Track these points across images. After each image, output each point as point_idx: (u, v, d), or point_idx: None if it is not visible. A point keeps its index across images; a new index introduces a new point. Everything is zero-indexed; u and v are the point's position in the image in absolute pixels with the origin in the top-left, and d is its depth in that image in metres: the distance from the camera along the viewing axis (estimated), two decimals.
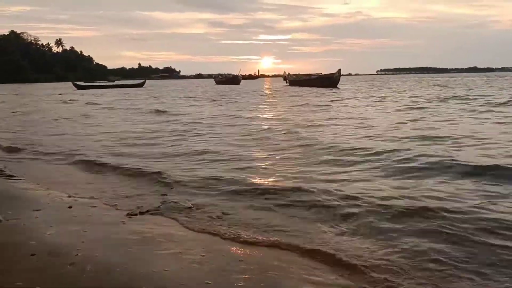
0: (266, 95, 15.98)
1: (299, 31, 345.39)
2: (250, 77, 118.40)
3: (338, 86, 22.08)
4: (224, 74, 39.75)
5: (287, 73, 31.18)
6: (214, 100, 13.77)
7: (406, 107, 8.57)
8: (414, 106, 8.62)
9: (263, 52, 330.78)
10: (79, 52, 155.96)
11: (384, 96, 13.05)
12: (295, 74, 30.08)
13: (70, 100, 16.08)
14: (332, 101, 11.59)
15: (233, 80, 36.65)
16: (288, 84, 29.16)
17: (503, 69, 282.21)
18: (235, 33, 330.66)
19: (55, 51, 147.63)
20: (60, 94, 20.31)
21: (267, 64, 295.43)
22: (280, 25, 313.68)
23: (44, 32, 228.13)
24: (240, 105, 11.41)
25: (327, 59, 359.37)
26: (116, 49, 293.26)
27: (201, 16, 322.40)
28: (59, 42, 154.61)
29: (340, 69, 22.96)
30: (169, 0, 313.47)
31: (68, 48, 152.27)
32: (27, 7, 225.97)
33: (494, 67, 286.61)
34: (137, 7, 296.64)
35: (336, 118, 6.92)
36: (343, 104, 10.34)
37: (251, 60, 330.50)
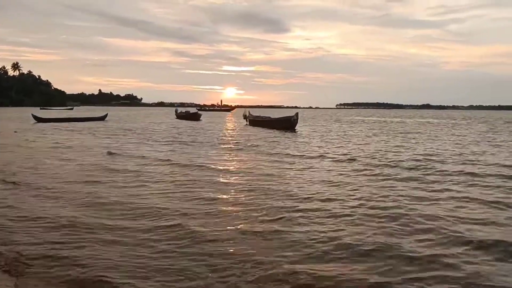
0: (224, 140, 16.02)
1: (262, 64, 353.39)
2: (212, 106, 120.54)
3: (295, 128, 22.63)
4: (185, 110, 39.87)
5: (248, 112, 31.65)
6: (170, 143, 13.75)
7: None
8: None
9: (226, 82, 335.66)
10: (37, 77, 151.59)
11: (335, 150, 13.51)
12: (257, 116, 30.54)
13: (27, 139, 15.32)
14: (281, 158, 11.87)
15: (193, 116, 37.02)
16: (248, 123, 29.56)
17: (453, 107, 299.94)
18: (199, 63, 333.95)
19: (11, 75, 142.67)
20: (15, 132, 18.98)
21: (230, 94, 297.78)
22: (244, 57, 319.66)
23: (2, 54, 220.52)
24: (195, 152, 11.65)
25: (289, 91, 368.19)
26: (77, 74, 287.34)
27: (165, 45, 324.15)
28: (15, 66, 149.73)
29: (297, 113, 23.68)
30: (133, 28, 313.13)
31: (25, 72, 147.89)
32: None
33: (445, 105, 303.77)
34: (101, 34, 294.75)
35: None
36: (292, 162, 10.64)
37: (215, 90, 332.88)
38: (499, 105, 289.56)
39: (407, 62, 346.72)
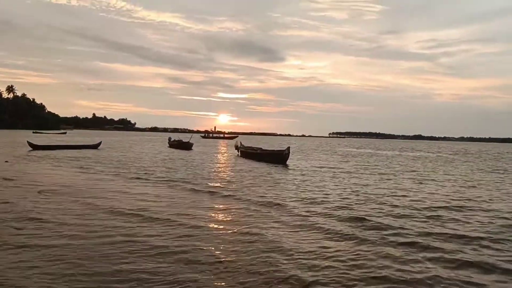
0: (209, 177, 15.90)
1: (256, 91, 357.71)
2: (206, 132, 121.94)
3: (287, 163, 22.67)
4: (177, 139, 39.91)
5: (240, 143, 31.81)
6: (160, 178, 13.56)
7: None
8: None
9: (220, 109, 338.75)
10: (31, 100, 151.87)
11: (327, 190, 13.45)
12: (249, 147, 30.70)
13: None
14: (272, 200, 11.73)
15: (185, 145, 37.19)
16: (239, 154, 29.63)
17: (444, 138, 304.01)
18: (193, 89, 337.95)
19: (5, 97, 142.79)
20: (6, 162, 18.64)
21: (224, 120, 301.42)
22: (238, 84, 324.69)
23: None
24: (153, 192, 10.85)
25: (282, 119, 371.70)
26: (71, 98, 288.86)
27: (161, 71, 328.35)
28: (10, 89, 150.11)
29: (289, 147, 23.84)
30: (130, 53, 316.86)
31: (19, 94, 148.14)
32: None
33: (437, 136, 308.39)
34: (98, 58, 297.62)
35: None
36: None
37: (209, 116, 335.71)
38: (489, 137, 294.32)
39: (399, 93, 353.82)
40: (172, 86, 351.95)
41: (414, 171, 20.62)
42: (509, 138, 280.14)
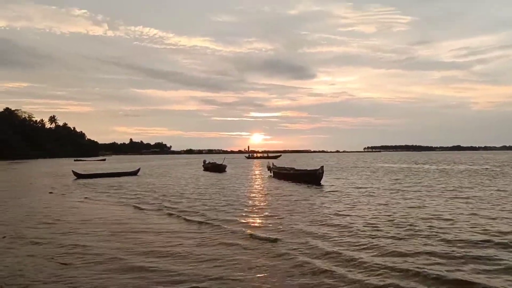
0: (242, 203, 15.88)
1: (288, 109, 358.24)
2: (250, 152, 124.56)
3: (321, 182, 22.47)
4: (212, 162, 40.50)
5: (272, 164, 31.89)
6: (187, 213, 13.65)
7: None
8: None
9: (253, 128, 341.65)
10: (72, 128, 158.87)
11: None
12: (282, 167, 30.72)
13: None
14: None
15: (218, 168, 37.74)
16: (272, 175, 29.65)
17: (485, 148, 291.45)
18: (226, 110, 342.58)
19: (47, 127, 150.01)
20: (50, 193, 19.05)
21: (257, 140, 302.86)
22: (270, 103, 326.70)
23: (39, 108, 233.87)
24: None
25: (315, 135, 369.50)
26: (109, 124, 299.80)
27: (194, 94, 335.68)
28: (52, 119, 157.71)
29: (323, 166, 23.61)
30: (163, 79, 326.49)
31: (61, 124, 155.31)
32: (24, 83, 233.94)
33: (477, 146, 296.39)
34: (133, 85, 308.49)
35: None
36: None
37: (242, 136, 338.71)
38: None
39: (433, 103, 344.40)
40: (205, 108, 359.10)
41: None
42: None
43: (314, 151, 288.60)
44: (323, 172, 23.10)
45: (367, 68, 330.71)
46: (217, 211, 12.36)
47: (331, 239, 8.23)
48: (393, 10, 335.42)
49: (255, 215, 11.57)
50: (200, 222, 10.42)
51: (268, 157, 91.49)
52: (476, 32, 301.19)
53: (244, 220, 10.75)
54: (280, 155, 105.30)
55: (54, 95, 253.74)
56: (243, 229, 9.47)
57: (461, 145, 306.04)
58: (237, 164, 61.43)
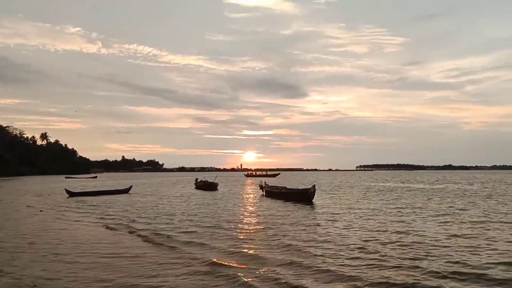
0: (232, 223, 15.75)
1: (281, 127, 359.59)
2: (249, 171, 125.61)
3: (313, 201, 22.48)
4: (204, 180, 40.35)
5: (264, 182, 31.85)
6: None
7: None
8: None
9: (246, 146, 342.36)
10: (63, 145, 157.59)
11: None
12: (274, 186, 30.73)
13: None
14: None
15: (210, 186, 37.62)
16: (264, 193, 29.58)
17: (476, 167, 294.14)
18: (219, 128, 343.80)
19: (39, 144, 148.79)
20: (41, 211, 18.82)
21: (250, 157, 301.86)
22: (262, 121, 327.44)
23: (31, 124, 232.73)
24: None
25: (308, 154, 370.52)
26: (101, 141, 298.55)
27: (187, 112, 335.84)
28: (44, 136, 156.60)
29: (314, 185, 23.74)
30: (157, 96, 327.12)
31: (52, 141, 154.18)
32: (16, 99, 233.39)
33: (468, 165, 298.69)
34: (126, 102, 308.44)
35: None
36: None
37: (235, 154, 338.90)
38: None
39: (425, 123, 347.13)
40: (198, 126, 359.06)
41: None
42: None
43: (307, 170, 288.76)
44: (314, 191, 23.19)
45: (360, 88, 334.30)
46: (194, 234, 11.86)
47: (296, 268, 7.71)
48: (385, 31, 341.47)
49: (232, 239, 10.97)
50: (171, 247, 9.92)
51: (267, 175, 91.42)
52: (467, 53, 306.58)
53: (217, 244, 10.19)
54: (279, 173, 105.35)
55: (46, 112, 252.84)
56: (208, 255, 8.92)
57: (453, 164, 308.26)
58: (230, 182, 61.24)
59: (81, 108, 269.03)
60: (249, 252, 9.24)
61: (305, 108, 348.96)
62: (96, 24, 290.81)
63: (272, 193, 27.84)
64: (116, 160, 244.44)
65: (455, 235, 11.09)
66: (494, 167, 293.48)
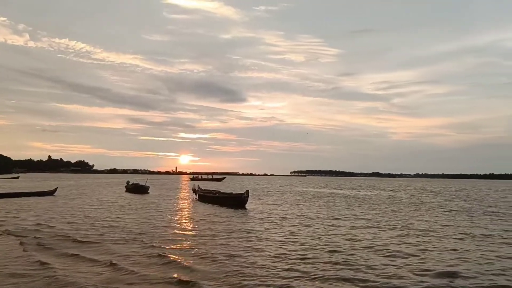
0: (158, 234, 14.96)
1: (218, 131, 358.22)
2: (194, 174, 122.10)
3: (246, 206, 22.22)
4: (134, 183, 38.72)
5: (197, 186, 31.11)
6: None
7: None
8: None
9: (181, 149, 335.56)
10: None
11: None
12: (207, 190, 30.09)
13: None
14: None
15: (141, 189, 36.14)
16: (197, 197, 28.84)
17: (401, 175, 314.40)
18: (154, 130, 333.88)
19: None
20: None
21: (185, 161, 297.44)
22: (199, 124, 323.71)
23: None
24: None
25: (244, 158, 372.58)
26: (25, 140, 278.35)
27: (120, 112, 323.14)
28: None
29: (248, 190, 23.51)
30: (89, 94, 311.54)
31: None
32: None
33: (394, 173, 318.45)
34: (55, 99, 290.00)
35: None
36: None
37: (170, 157, 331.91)
38: (442, 174, 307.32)
39: (357, 131, 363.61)
40: (132, 127, 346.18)
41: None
42: (461, 174, 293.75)
43: (243, 174, 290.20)
44: (248, 196, 22.98)
45: (296, 95, 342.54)
46: (108, 242, 10.85)
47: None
48: (322, 42, 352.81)
49: (153, 247, 10.04)
50: (73, 255, 9.13)
51: (212, 179, 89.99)
52: (395, 67, 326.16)
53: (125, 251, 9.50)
54: (225, 177, 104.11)
55: None
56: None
57: (380, 172, 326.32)
58: (164, 185, 59.43)
59: (3, 104, 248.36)
60: (169, 261, 8.60)
61: (242, 113, 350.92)
62: (24, 15, 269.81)
63: (205, 197, 27.18)
64: (41, 160, 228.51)
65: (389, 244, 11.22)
66: (416, 175, 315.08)
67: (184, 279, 7.03)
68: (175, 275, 7.31)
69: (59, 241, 10.85)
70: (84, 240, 11.05)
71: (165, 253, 9.21)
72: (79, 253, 9.29)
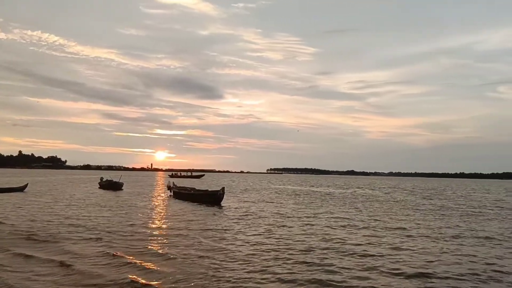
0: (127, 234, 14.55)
1: (194, 128, 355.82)
2: (173, 171, 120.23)
3: (221, 204, 21.98)
4: (108, 179, 37.92)
5: (172, 183, 30.63)
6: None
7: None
8: None
9: (157, 145, 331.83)
10: None
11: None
12: (182, 187, 29.66)
13: None
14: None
15: (114, 186, 35.32)
16: (172, 194, 28.37)
17: (375, 174, 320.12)
18: (129, 126, 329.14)
19: None
20: None
21: (161, 157, 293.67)
22: (176, 121, 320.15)
23: None
24: None
25: (221, 156, 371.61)
26: None
27: (95, 107, 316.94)
28: None
29: (224, 187, 23.29)
30: (62, 89, 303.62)
31: None
32: None
33: (368, 171, 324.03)
34: (26, 93, 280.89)
35: None
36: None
37: (145, 153, 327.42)
38: (415, 172, 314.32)
39: (333, 130, 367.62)
40: (107, 122, 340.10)
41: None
42: (433, 173, 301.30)
43: (219, 171, 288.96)
44: (224, 193, 22.75)
45: (273, 93, 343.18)
46: (67, 241, 10.43)
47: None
48: (299, 40, 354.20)
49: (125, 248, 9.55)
50: (22, 254, 8.77)
51: (192, 176, 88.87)
52: (371, 67, 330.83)
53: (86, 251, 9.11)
54: (204, 175, 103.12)
55: None
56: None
57: (355, 170, 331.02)
58: (138, 182, 58.42)
59: None
60: (128, 262, 8.23)
61: (220, 110, 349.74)
62: None
63: (180, 194, 26.76)
64: (11, 155, 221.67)
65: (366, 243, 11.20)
66: (390, 174, 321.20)
67: (139, 281, 6.72)
68: (129, 276, 6.96)
69: (14, 240, 10.35)
70: (42, 239, 10.59)
71: (126, 253, 8.84)
72: (33, 253, 8.85)
